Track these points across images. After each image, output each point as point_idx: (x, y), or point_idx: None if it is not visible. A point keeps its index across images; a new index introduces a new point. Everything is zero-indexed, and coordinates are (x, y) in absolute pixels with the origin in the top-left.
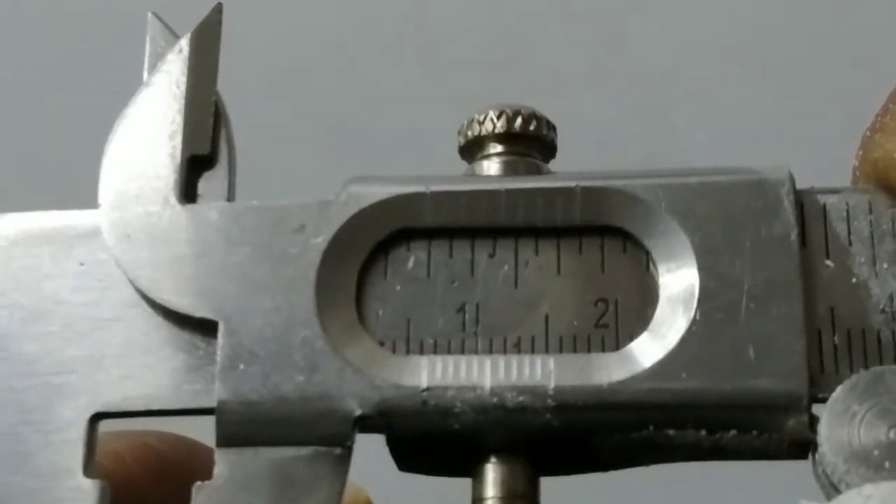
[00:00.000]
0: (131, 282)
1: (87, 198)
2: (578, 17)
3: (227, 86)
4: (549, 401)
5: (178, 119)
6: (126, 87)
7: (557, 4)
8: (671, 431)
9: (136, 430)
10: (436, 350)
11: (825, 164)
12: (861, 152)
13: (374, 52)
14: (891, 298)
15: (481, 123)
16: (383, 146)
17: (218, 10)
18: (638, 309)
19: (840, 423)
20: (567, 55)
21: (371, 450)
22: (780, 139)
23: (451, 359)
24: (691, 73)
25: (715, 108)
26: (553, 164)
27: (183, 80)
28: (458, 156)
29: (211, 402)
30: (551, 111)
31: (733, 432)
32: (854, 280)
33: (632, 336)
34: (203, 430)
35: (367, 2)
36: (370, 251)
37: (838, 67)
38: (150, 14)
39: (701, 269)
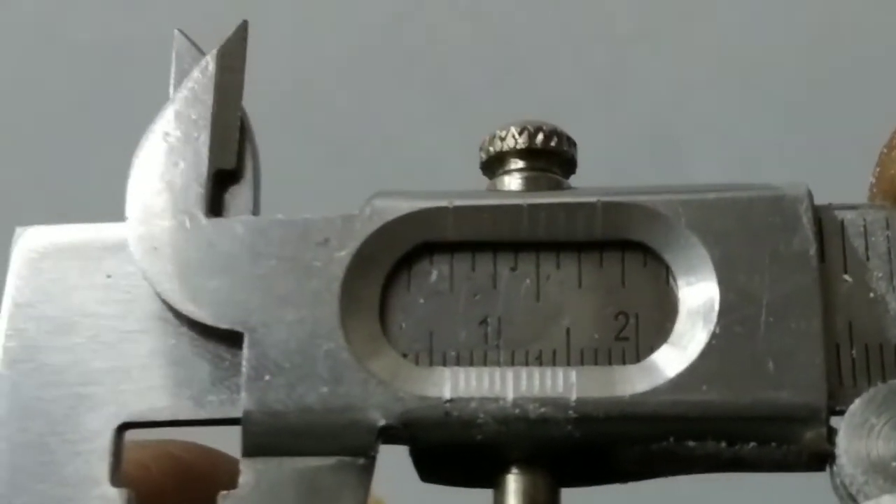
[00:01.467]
0: (158, 294)
1: (114, 211)
2: (586, 47)
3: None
4: (570, 412)
5: (204, 135)
6: (153, 104)
7: (565, 36)
8: (691, 443)
9: (160, 439)
10: (458, 362)
11: (834, 193)
12: (878, 169)
13: (385, 81)
14: None
15: (503, 139)
16: (393, 175)
17: (243, 27)
18: (658, 322)
19: (858, 435)
20: (575, 86)
21: (393, 461)
22: (788, 168)
23: (473, 371)
24: (699, 103)
25: (723, 137)
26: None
27: (209, 96)
28: (467, 183)
29: (236, 413)
30: None
31: (753, 444)
32: (872, 295)
33: (652, 349)
34: (227, 440)
35: (379, 32)
36: (393, 264)
37: (846, 96)
38: (176, 31)
39: (721, 283)
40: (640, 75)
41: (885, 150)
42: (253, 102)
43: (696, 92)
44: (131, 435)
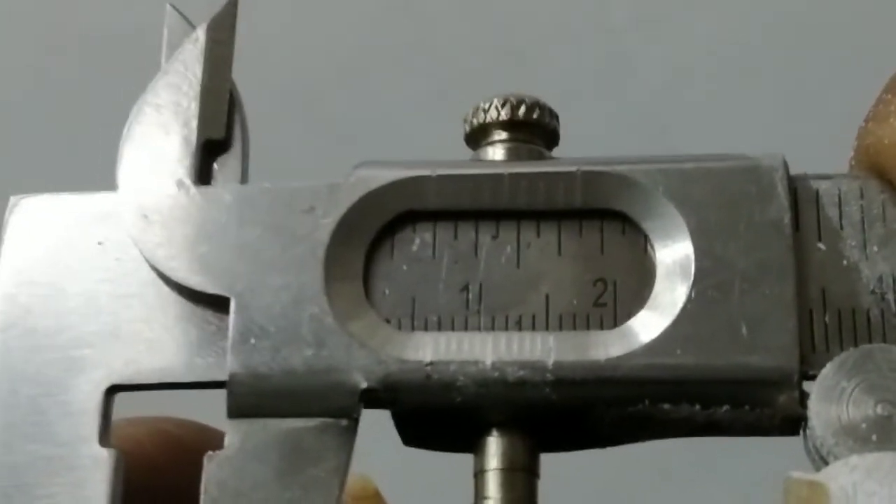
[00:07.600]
0: (147, 260)
1: (106, 180)
2: (579, 37)
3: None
4: (548, 375)
5: (194, 105)
6: (144, 76)
7: (559, 25)
8: (666, 406)
9: (154, 416)
10: (440, 327)
11: None
12: (856, 141)
13: (380, 71)
14: (880, 280)
15: (486, 111)
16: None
17: (233, 2)
18: (635, 289)
19: (829, 398)
20: (571, 75)
21: (377, 431)
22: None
23: (454, 335)
24: (691, 93)
25: (715, 127)
26: None
27: (199, 67)
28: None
29: (222, 376)
30: None
31: (726, 407)
32: (845, 262)
33: (629, 314)
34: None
35: (375, 23)
36: (377, 232)
37: (840, 86)
38: (168, 5)
39: (696, 250)
40: (636, 64)
41: (863, 124)
42: (243, 77)
43: (692, 81)
44: (126, 411)
